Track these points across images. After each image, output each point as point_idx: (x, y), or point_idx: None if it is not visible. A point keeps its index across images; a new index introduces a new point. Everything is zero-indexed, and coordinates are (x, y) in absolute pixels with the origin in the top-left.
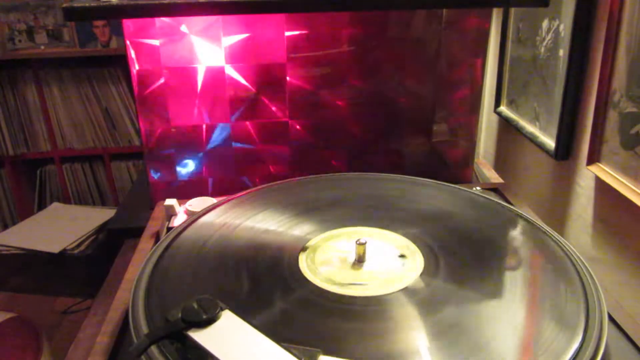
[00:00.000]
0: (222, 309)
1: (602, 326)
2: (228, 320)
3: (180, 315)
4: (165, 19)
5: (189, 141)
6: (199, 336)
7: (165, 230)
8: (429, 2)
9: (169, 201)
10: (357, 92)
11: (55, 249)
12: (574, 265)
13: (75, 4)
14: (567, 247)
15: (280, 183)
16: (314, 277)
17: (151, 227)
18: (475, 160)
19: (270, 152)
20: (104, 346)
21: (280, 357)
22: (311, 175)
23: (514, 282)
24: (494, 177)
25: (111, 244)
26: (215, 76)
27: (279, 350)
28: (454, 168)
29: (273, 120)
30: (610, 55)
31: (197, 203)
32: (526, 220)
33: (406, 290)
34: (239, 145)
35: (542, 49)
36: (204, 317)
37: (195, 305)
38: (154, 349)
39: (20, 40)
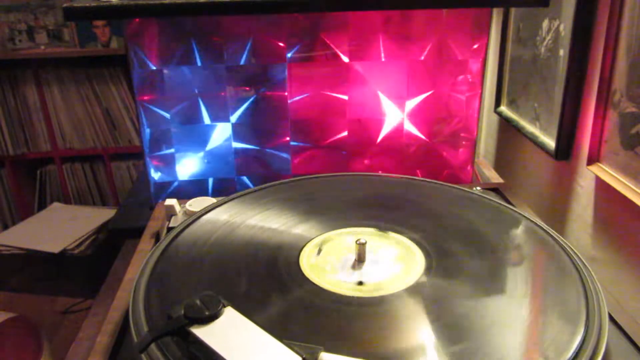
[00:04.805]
0: (224, 306)
1: (602, 326)
2: (230, 316)
3: (182, 311)
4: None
5: (189, 141)
6: (201, 332)
7: (165, 230)
8: (429, 2)
9: (169, 201)
10: (357, 92)
11: (55, 249)
12: (574, 265)
13: (76, 4)
14: (567, 247)
15: (280, 183)
16: (314, 277)
17: (151, 227)
18: (475, 160)
19: (270, 152)
20: (104, 346)
21: (281, 353)
22: (311, 175)
23: (514, 282)
24: (494, 177)
25: (111, 244)
26: (216, 76)
27: (280, 346)
28: (454, 168)
29: (273, 120)
30: (610, 55)
31: (197, 203)
32: (526, 220)
33: (407, 290)
34: (239, 145)
35: (542, 49)
36: (207, 313)
37: (198, 302)
38: (154, 347)
39: (20, 40)
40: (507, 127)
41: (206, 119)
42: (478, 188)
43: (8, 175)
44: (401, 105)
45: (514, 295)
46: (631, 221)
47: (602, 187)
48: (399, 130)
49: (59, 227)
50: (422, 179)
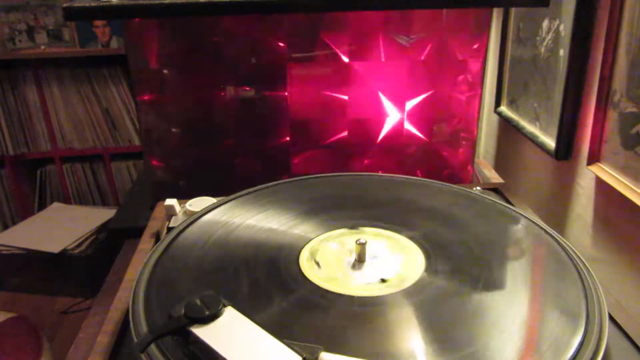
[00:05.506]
0: (225, 306)
1: (602, 326)
2: (231, 316)
3: (183, 311)
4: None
5: (190, 141)
6: (201, 332)
7: (165, 230)
8: (429, 2)
9: (169, 201)
10: (357, 92)
11: (55, 249)
12: (574, 265)
13: (76, 4)
14: (567, 247)
15: (280, 183)
16: (314, 277)
17: (151, 227)
18: (475, 160)
19: (270, 152)
20: (104, 346)
21: (281, 353)
22: (311, 175)
23: (514, 282)
24: (494, 177)
25: (111, 244)
26: (216, 76)
27: (280, 346)
28: (454, 168)
29: (273, 120)
30: (610, 55)
31: (197, 203)
32: (526, 220)
33: (407, 290)
34: (239, 145)
35: (542, 49)
36: (207, 313)
37: (199, 302)
38: (154, 347)
39: (20, 40)
40: (507, 127)
41: (207, 119)
42: (478, 188)
43: (8, 175)
44: (401, 106)
45: (513, 295)
46: (631, 221)
47: (602, 187)
48: (398, 130)
49: (59, 227)
50: (422, 178)
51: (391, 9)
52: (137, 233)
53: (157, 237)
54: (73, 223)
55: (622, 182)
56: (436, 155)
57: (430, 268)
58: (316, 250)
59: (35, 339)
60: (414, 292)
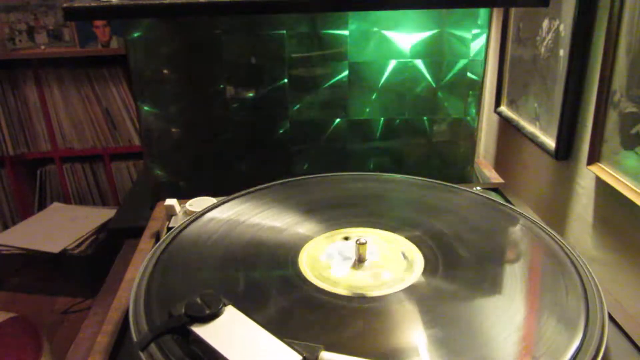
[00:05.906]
0: (225, 305)
1: (602, 326)
2: (231, 315)
3: (183, 310)
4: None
5: (190, 141)
6: (202, 331)
7: (165, 230)
8: (429, 3)
9: (169, 201)
10: (357, 92)
11: (55, 249)
12: (574, 265)
13: (76, 4)
14: (567, 247)
15: (280, 183)
16: (314, 277)
17: (151, 227)
18: (475, 160)
19: (270, 152)
20: (104, 346)
21: (282, 352)
22: (311, 175)
23: (514, 282)
24: (494, 177)
25: (111, 244)
26: (216, 75)
27: (281, 345)
28: (454, 168)
29: (273, 120)
30: (610, 55)
31: (197, 203)
32: (526, 220)
33: (406, 290)
34: (239, 144)
35: (542, 49)
36: (207, 312)
37: (199, 301)
38: (154, 346)
39: (20, 40)
40: (507, 127)
41: (206, 119)
42: (478, 188)
43: (8, 175)
44: (401, 105)
45: (513, 295)
46: (631, 221)
47: (602, 187)
48: (399, 130)
49: (59, 227)
50: (422, 178)
51: (391, 9)
52: (137, 233)
53: (157, 237)
54: (73, 223)
55: (622, 182)
56: (436, 155)
57: (429, 268)
58: (316, 250)
59: (35, 339)
60: (413, 293)
